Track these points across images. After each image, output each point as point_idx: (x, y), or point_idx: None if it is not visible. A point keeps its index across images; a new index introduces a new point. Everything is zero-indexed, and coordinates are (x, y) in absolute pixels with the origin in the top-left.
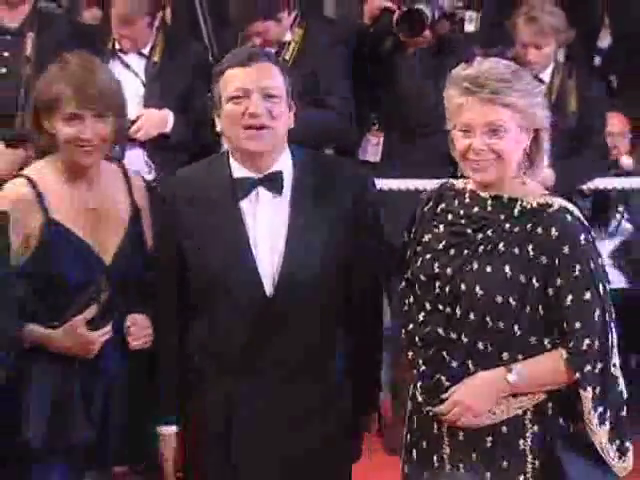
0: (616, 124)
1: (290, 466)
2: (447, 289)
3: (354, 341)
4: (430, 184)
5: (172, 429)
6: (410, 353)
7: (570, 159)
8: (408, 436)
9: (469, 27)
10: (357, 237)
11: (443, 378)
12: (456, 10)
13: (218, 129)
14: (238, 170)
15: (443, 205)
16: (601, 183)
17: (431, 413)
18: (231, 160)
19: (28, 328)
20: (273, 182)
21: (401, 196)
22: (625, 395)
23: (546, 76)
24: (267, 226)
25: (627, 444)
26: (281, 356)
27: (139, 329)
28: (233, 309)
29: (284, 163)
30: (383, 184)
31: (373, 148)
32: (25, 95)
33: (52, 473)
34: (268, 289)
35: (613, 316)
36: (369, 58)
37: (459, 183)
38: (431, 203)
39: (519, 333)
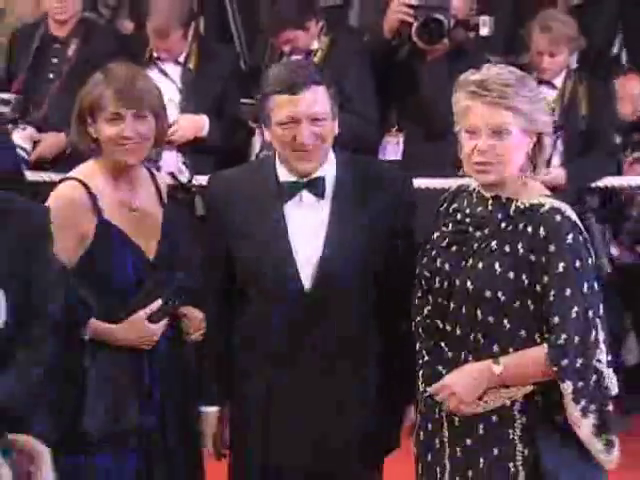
0: (636, 85)
1: (326, 452)
2: (445, 284)
3: (388, 336)
4: (449, 183)
5: (214, 409)
6: (417, 344)
7: (581, 159)
8: (418, 418)
9: (483, 31)
10: (393, 237)
11: (440, 367)
12: (469, 16)
13: (267, 138)
14: (284, 175)
15: (455, 205)
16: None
17: (430, 401)
18: (277, 165)
19: (90, 322)
20: (316, 186)
21: (422, 194)
22: (614, 390)
23: (559, 81)
24: (308, 226)
25: (612, 438)
26: (318, 347)
27: (195, 322)
28: (274, 302)
29: (327, 168)
30: None
31: (393, 148)
32: (57, 93)
33: (111, 459)
34: (306, 284)
35: (600, 313)
36: (387, 65)
37: (473, 184)
38: (446, 203)
39: (509, 327)
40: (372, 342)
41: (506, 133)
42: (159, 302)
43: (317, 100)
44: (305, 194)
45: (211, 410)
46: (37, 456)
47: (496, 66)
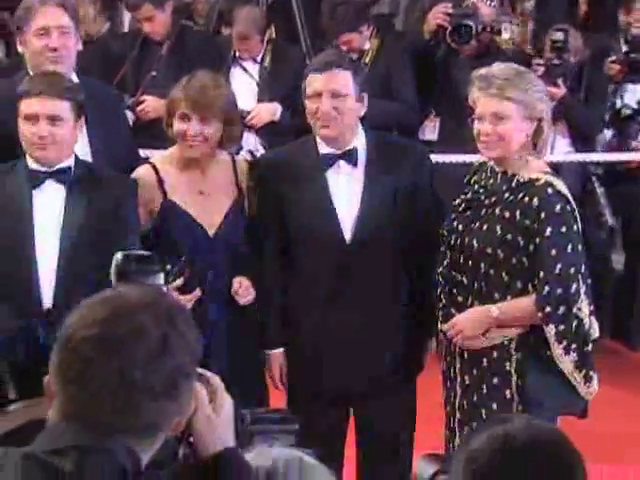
0: None
1: (368, 374)
2: (457, 242)
3: (415, 283)
4: (473, 158)
5: (277, 350)
6: (438, 290)
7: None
8: (441, 350)
9: (505, 35)
10: (417, 197)
11: (453, 309)
12: (494, 22)
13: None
14: (323, 147)
15: (475, 177)
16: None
17: (442, 336)
18: (317, 140)
19: None
20: (350, 156)
21: (452, 168)
22: (593, 334)
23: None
24: (346, 190)
25: (591, 373)
26: (358, 289)
27: (245, 289)
28: (321, 255)
29: (359, 142)
30: (439, 158)
31: (430, 130)
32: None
33: None
34: (347, 237)
35: (582, 270)
36: (426, 62)
37: (490, 161)
38: (469, 176)
39: (506, 279)
40: (401, 284)
41: (505, 118)
42: (180, 280)
43: (338, 79)
44: (342, 163)
45: (275, 351)
46: (212, 379)
47: (501, 63)
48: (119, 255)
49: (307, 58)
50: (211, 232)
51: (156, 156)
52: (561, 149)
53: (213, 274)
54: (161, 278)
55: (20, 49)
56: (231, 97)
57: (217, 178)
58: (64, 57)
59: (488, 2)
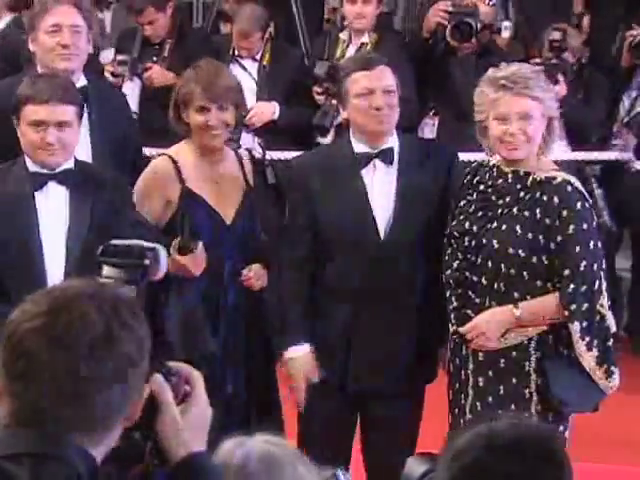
0: None
1: (389, 376)
2: (473, 243)
3: (433, 286)
4: (473, 156)
5: (304, 346)
6: (447, 292)
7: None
8: (449, 353)
9: (505, 34)
10: (447, 198)
11: (469, 311)
12: (494, 21)
13: (344, 115)
14: (358, 147)
15: (478, 177)
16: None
17: (457, 339)
18: (352, 140)
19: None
20: (386, 155)
21: None
22: (613, 329)
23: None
24: (381, 188)
25: (612, 368)
26: (389, 287)
27: (257, 275)
28: (354, 253)
29: (393, 141)
30: None
31: (429, 128)
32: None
33: None
34: (382, 235)
35: (603, 266)
36: (425, 60)
37: (491, 160)
38: (469, 176)
39: (527, 278)
40: (421, 286)
41: (531, 118)
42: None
43: (387, 76)
44: (377, 162)
45: (301, 347)
46: (191, 377)
47: (514, 63)
48: (101, 246)
49: (306, 57)
50: (228, 220)
51: (170, 150)
52: (558, 149)
53: (232, 262)
54: (138, 271)
55: (32, 47)
56: (236, 80)
57: (228, 168)
58: (74, 55)
59: (487, 1)
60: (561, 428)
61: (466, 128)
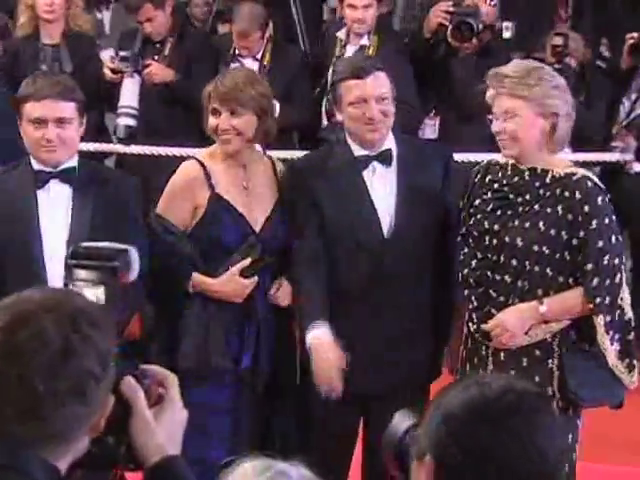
0: None
1: (392, 378)
2: (494, 241)
3: (436, 285)
4: (475, 157)
5: (323, 328)
6: (465, 292)
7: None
8: (464, 353)
9: (506, 34)
10: (445, 198)
11: (492, 309)
12: (495, 22)
13: (339, 119)
14: (357, 150)
15: (490, 176)
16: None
17: (479, 338)
18: (351, 144)
19: (193, 276)
20: (384, 157)
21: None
22: (632, 323)
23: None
24: (381, 189)
25: (634, 362)
26: (391, 284)
27: (284, 294)
28: (359, 250)
29: (390, 143)
30: None
31: (431, 129)
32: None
33: (208, 393)
34: (386, 232)
35: (623, 260)
36: (426, 61)
37: (502, 159)
38: (479, 175)
39: (550, 274)
40: (425, 285)
41: (516, 116)
42: (249, 260)
43: (380, 83)
44: (376, 164)
45: (321, 329)
46: (165, 380)
47: (517, 60)
48: (70, 249)
49: (306, 56)
50: (257, 228)
51: (199, 154)
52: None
53: (262, 272)
54: (107, 273)
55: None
56: (263, 90)
57: (258, 175)
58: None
59: (488, 1)
60: (578, 422)
61: (466, 129)
